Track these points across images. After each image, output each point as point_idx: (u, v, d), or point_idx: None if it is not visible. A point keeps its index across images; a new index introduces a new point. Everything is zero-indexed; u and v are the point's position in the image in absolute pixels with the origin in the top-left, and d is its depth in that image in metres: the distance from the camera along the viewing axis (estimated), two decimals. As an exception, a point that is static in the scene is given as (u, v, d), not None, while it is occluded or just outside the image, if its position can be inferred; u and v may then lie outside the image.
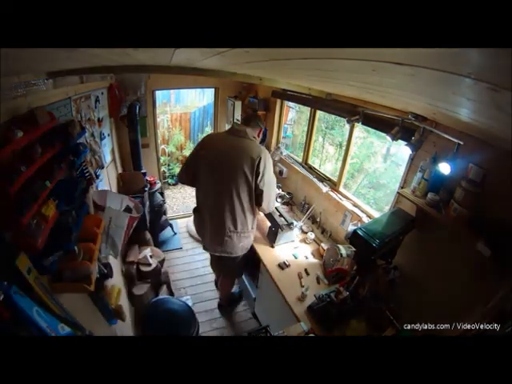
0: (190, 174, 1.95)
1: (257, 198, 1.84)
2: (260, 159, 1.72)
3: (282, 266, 2.00)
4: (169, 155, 5.18)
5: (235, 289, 2.80)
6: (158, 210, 3.16)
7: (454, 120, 1.12)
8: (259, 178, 1.75)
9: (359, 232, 1.35)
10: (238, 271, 2.38)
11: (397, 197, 1.69)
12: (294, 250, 2.18)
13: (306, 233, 2.33)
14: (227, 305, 2.65)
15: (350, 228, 1.89)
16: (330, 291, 1.68)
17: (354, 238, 1.40)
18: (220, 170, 1.78)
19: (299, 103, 2.82)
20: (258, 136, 1.97)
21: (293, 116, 3.70)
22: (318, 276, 1.94)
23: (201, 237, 2.14)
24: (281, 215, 2.29)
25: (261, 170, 1.73)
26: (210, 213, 1.93)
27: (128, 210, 1.96)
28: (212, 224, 1.94)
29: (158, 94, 3.31)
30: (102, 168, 2.08)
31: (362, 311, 1.62)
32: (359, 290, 1.64)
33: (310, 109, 2.58)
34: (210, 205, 1.90)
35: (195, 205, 2.10)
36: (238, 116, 3.23)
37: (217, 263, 2.45)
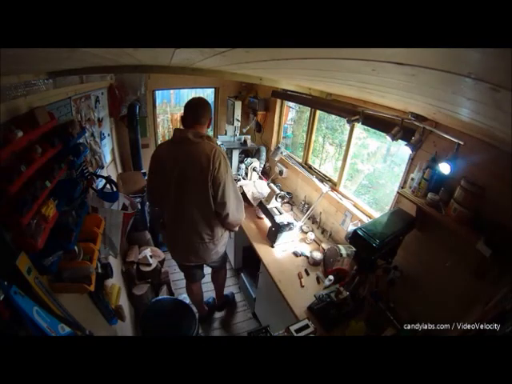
0: (153, 194, 1.87)
1: (215, 205, 1.71)
2: (209, 162, 1.57)
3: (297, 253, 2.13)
4: (169, 155, 5.18)
5: (228, 292, 2.77)
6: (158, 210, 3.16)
7: (455, 120, 1.12)
8: (215, 183, 1.62)
9: (359, 232, 1.34)
10: (220, 273, 2.38)
11: (397, 197, 1.69)
12: (293, 250, 2.18)
13: (306, 233, 2.33)
14: (220, 305, 2.63)
15: (350, 228, 1.89)
16: (330, 291, 1.68)
17: (354, 238, 1.39)
18: (175, 184, 1.67)
19: (299, 103, 2.81)
20: (208, 126, 1.75)
21: (293, 116, 3.70)
22: (318, 276, 1.94)
23: (171, 250, 2.01)
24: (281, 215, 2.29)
25: (213, 174, 1.59)
26: (179, 226, 1.82)
27: (124, 208, 1.96)
28: (184, 236, 1.84)
29: (158, 94, 3.31)
30: (102, 168, 2.08)
31: (362, 311, 1.63)
32: (359, 290, 1.64)
33: (310, 109, 2.58)
34: (173, 219, 1.81)
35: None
36: (237, 116, 3.23)
37: (191, 271, 2.19)
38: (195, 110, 1.68)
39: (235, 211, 1.78)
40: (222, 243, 1.97)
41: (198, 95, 5.42)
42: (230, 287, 2.91)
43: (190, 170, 1.61)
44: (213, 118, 1.70)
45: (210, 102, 1.80)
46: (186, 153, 1.61)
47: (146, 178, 1.91)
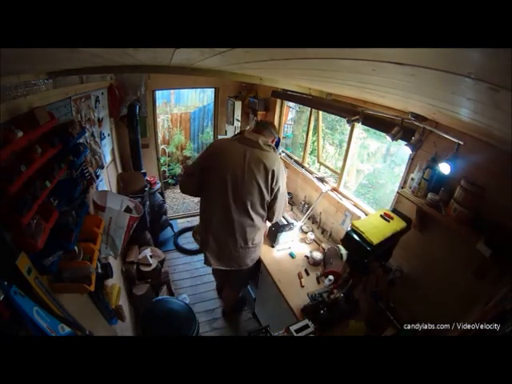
0: (194, 184, 1.85)
1: (268, 210, 1.83)
2: (274, 172, 1.68)
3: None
4: (169, 155, 5.18)
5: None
6: (158, 210, 3.16)
7: (454, 120, 1.12)
8: (274, 191, 1.73)
9: (352, 234, 1.30)
10: (244, 282, 2.33)
11: (397, 197, 1.69)
12: (290, 250, 2.19)
13: (306, 233, 2.33)
14: (232, 311, 2.61)
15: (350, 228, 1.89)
16: (324, 291, 1.67)
17: (346, 240, 1.34)
18: (233, 184, 1.70)
19: (299, 103, 2.82)
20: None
21: (293, 116, 3.71)
22: (317, 276, 1.94)
23: (204, 249, 1.94)
24: (281, 215, 2.29)
25: (275, 183, 1.70)
26: (218, 226, 1.83)
27: (128, 210, 1.96)
28: (220, 238, 1.86)
29: (158, 93, 3.31)
30: (102, 168, 2.08)
31: (356, 313, 1.63)
32: (353, 292, 1.63)
33: (310, 109, 2.58)
34: (219, 218, 1.80)
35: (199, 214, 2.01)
36: (237, 116, 3.22)
37: (222, 274, 2.28)
38: (260, 122, 2.00)
39: (279, 216, 1.91)
40: (258, 251, 2.02)
41: (198, 95, 5.47)
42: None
43: (255, 172, 1.67)
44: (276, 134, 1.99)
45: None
46: (254, 155, 1.69)
47: (191, 165, 1.99)
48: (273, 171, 1.67)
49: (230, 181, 1.70)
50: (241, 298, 2.72)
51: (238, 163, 1.68)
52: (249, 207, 1.74)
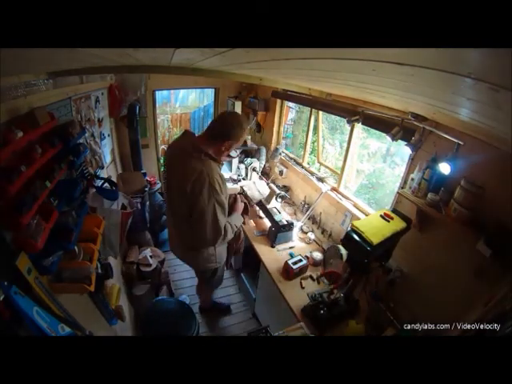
0: None
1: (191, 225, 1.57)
2: (192, 184, 1.43)
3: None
4: (169, 155, 5.18)
5: (225, 301, 2.74)
6: (158, 210, 3.16)
7: (454, 120, 1.12)
8: (191, 202, 1.48)
9: (352, 234, 1.30)
10: (207, 283, 2.18)
11: (397, 197, 1.69)
12: (290, 250, 2.19)
13: (306, 233, 2.33)
14: (208, 309, 2.60)
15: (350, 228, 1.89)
16: (324, 291, 1.67)
17: (346, 240, 1.34)
18: (169, 191, 1.72)
19: (299, 103, 2.81)
20: (222, 149, 1.52)
21: (293, 116, 3.71)
22: (318, 276, 1.94)
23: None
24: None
25: (193, 195, 1.45)
26: (167, 215, 1.98)
27: (124, 208, 1.96)
28: (170, 231, 1.98)
29: (158, 94, 3.31)
30: (102, 168, 2.08)
31: (356, 313, 1.62)
32: (353, 293, 1.63)
33: (310, 109, 2.57)
34: (168, 216, 1.93)
35: None
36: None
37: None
38: (215, 123, 1.59)
39: (206, 238, 1.56)
40: (197, 259, 1.83)
41: (198, 95, 5.47)
42: (230, 287, 2.91)
43: (175, 182, 1.56)
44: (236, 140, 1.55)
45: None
46: (179, 163, 1.53)
47: None
48: (187, 182, 1.45)
49: (168, 188, 1.75)
50: (226, 306, 2.67)
51: (170, 168, 1.70)
52: (175, 214, 1.71)
